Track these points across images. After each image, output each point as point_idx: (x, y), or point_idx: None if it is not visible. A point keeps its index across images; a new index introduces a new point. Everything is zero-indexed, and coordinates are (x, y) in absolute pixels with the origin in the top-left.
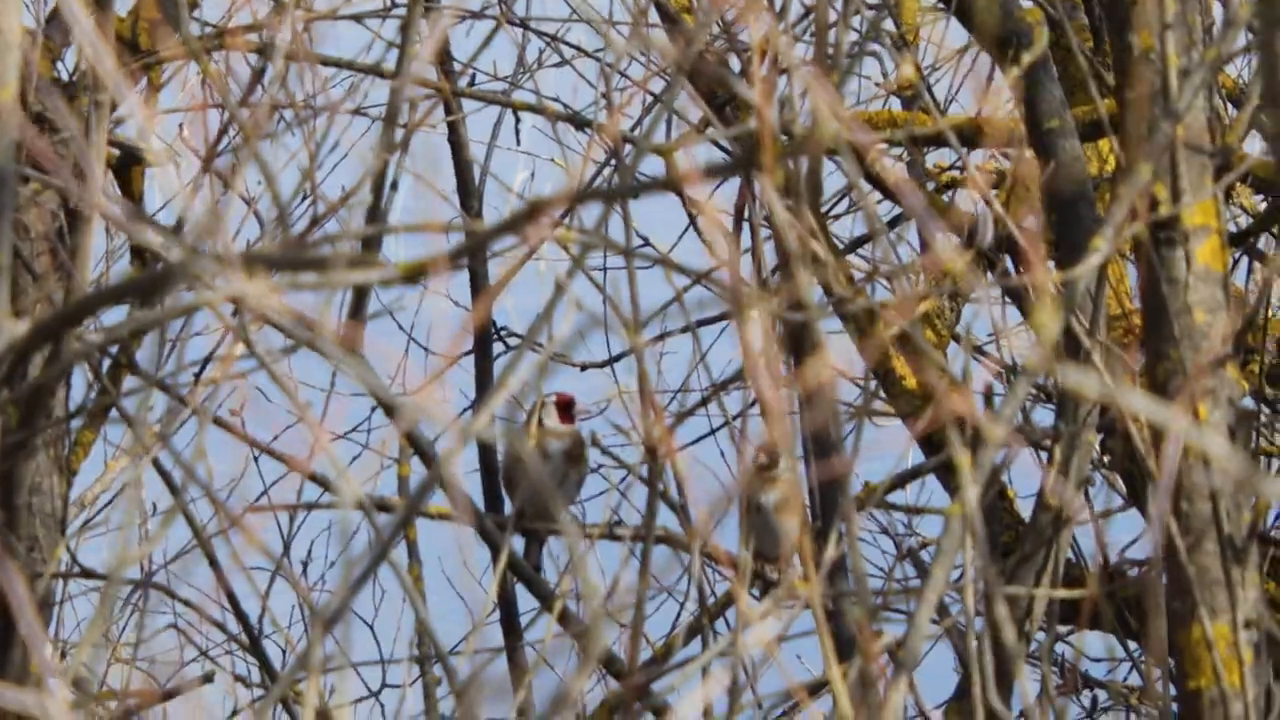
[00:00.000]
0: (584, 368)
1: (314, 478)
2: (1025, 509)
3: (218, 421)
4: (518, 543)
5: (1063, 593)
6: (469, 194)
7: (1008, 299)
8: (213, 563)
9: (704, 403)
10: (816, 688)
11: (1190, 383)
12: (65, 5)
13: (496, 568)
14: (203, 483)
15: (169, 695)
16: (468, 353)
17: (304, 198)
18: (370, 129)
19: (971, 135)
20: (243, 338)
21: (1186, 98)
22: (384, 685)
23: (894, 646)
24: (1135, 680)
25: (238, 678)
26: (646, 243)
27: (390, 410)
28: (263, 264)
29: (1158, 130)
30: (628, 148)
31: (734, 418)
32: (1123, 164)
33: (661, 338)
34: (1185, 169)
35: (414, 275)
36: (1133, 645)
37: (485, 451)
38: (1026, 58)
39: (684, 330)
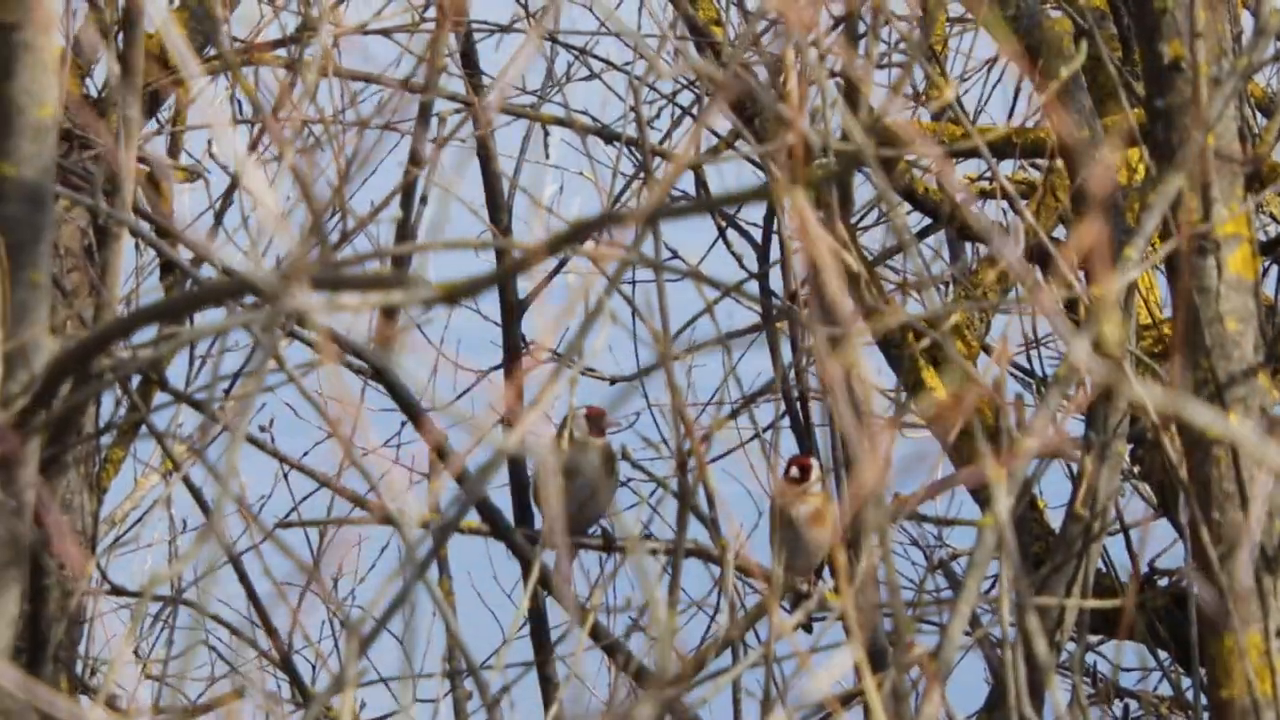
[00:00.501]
0: (613, 381)
1: (347, 494)
2: (1054, 519)
3: (250, 439)
4: (549, 557)
5: (1095, 603)
6: (498, 208)
7: (1036, 310)
8: (244, 579)
9: (735, 415)
10: (848, 699)
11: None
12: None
13: (528, 582)
14: (238, 498)
15: (198, 711)
16: (496, 367)
17: (334, 213)
18: (399, 144)
19: (1003, 147)
20: (275, 354)
21: (1217, 107)
22: (414, 699)
23: (927, 658)
24: (1166, 689)
25: (269, 694)
26: (675, 256)
27: (421, 425)
28: (318, 283)
29: (1189, 140)
30: (656, 161)
31: (764, 429)
32: (1153, 173)
33: (692, 350)
34: (1216, 178)
35: (454, 295)
36: (1163, 655)
37: (514, 465)
38: (1065, 71)
39: (715, 343)
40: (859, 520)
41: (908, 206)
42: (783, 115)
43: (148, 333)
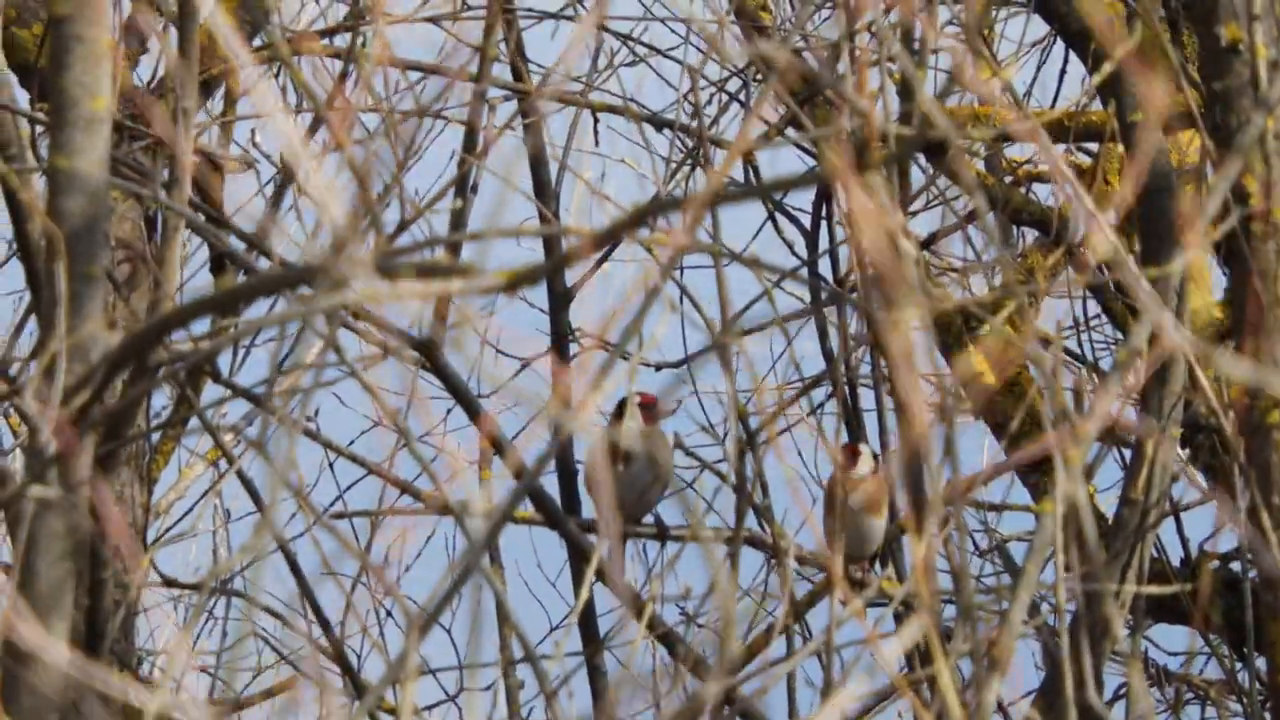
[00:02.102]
0: (658, 368)
1: (398, 483)
2: (1104, 505)
3: (304, 431)
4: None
5: (1156, 589)
6: (546, 196)
7: (1089, 294)
8: (295, 569)
9: (794, 401)
10: (914, 683)
11: None
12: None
13: (580, 571)
14: (295, 489)
15: (254, 701)
16: (543, 354)
17: (389, 202)
18: (441, 130)
19: (1055, 131)
20: (334, 345)
21: (1277, 90)
22: (461, 689)
23: (987, 644)
24: (1214, 672)
25: (320, 684)
26: (720, 245)
27: (474, 413)
28: (379, 271)
29: (1248, 122)
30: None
31: (812, 410)
32: (1211, 156)
33: (744, 334)
34: (1276, 161)
35: (517, 283)
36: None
37: (562, 453)
38: (1120, 52)
39: (771, 324)
40: (919, 505)
41: (956, 190)
42: (845, 98)
43: (200, 325)
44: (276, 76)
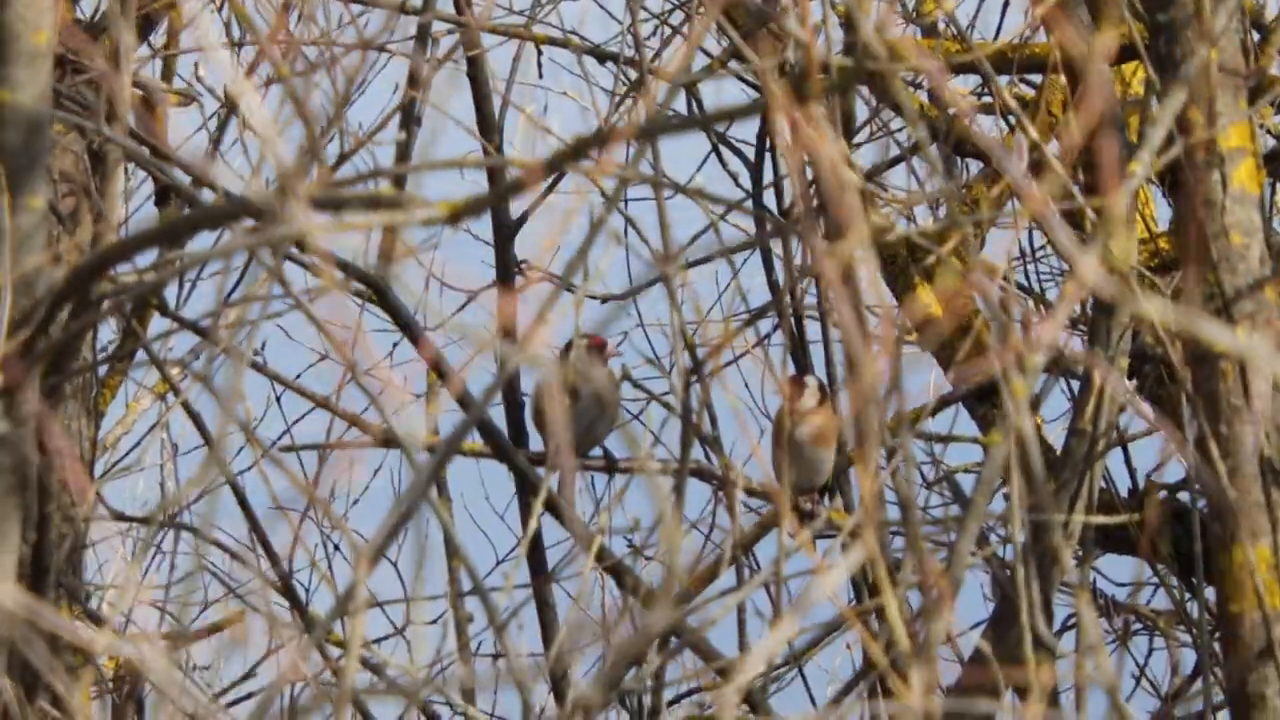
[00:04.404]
0: (604, 300)
1: (346, 415)
2: (1051, 436)
3: (251, 364)
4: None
5: (1105, 519)
6: (489, 129)
7: (1034, 225)
8: (243, 503)
9: (739, 332)
10: (862, 613)
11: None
12: None
13: (528, 503)
14: (243, 423)
15: (203, 635)
16: (488, 287)
17: (331, 135)
18: (385, 65)
19: (998, 62)
20: (279, 277)
21: (1221, 21)
22: (408, 622)
23: (937, 574)
24: (1161, 602)
25: (270, 619)
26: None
27: (420, 344)
28: (320, 204)
29: (1192, 54)
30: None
31: (759, 341)
32: (1156, 87)
33: (689, 266)
34: (1220, 92)
35: (459, 215)
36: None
37: (509, 386)
38: None
39: (718, 255)
40: (864, 436)
41: (900, 122)
42: (787, 30)
43: (145, 258)
44: (220, 10)
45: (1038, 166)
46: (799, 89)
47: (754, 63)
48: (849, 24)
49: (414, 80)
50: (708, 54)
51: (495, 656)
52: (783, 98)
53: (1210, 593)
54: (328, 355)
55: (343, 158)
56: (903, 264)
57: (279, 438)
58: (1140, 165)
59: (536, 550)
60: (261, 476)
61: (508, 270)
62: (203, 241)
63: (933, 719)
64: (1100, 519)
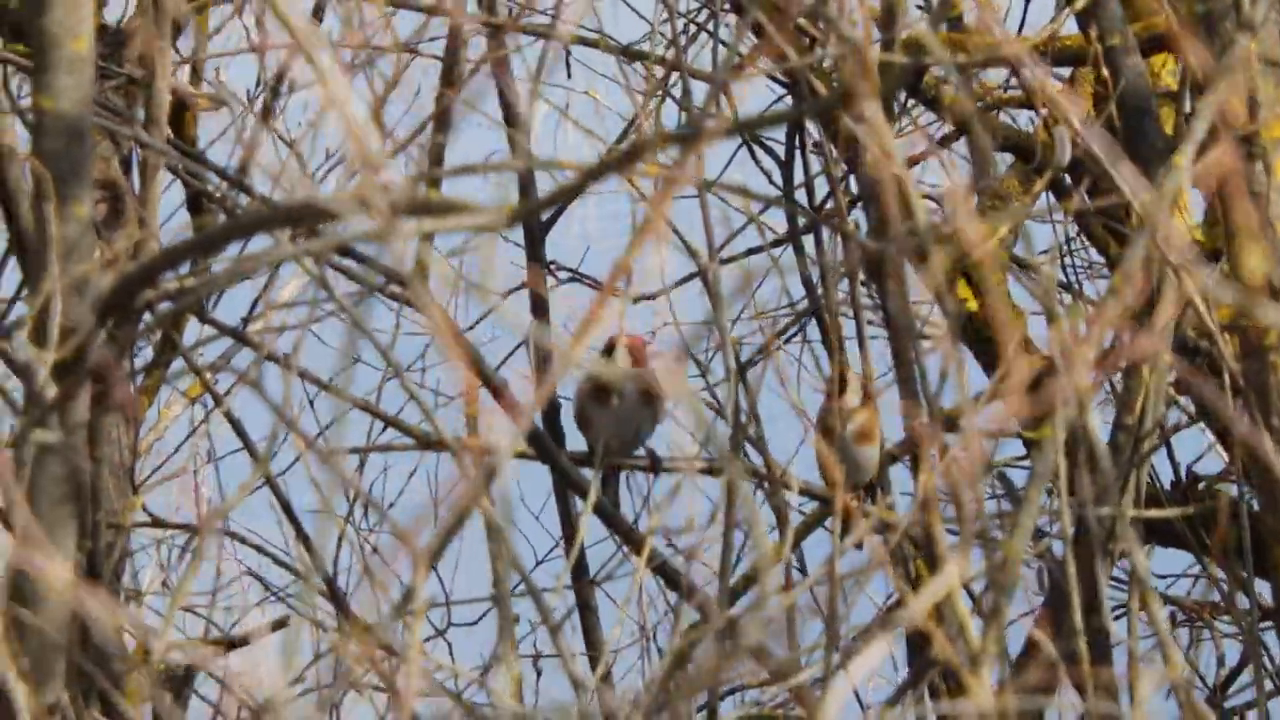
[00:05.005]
0: (637, 300)
1: (387, 418)
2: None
3: (302, 374)
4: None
5: (1155, 513)
6: (520, 129)
7: (1073, 218)
8: (286, 507)
9: (784, 331)
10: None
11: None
12: None
13: (575, 504)
14: (294, 427)
15: (240, 643)
16: (519, 288)
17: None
18: (410, 63)
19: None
20: (325, 284)
21: (1261, 11)
22: (449, 624)
23: (994, 571)
24: (1200, 592)
25: (315, 622)
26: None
27: (458, 347)
28: (377, 208)
29: (1233, 45)
30: (676, 78)
31: (799, 334)
32: (1198, 79)
33: (726, 262)
34: (1261, 83)
35: (517, 217)
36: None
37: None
38: None
39: (753, 254)
40: (915, 434)
41: (931, 117)
42: (835, 28)
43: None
44: (240, 14)
45: (1082, 159)
46: (850, 89)
47: (791, 61)
48: (887, 19)
49: (449, 82)
50: (738, 53)
51: (535, 658)
52: (847, 98)
53: (1262, 586)
54: (360, 359)
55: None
56: (939, 259)
57: (315, 439)
58: (1184, 157)
59: (579, 551)
60: (306, 478)
61: (540, 271)
62: (240, 248)
63: (1005, 716)
64: (1152, 513)
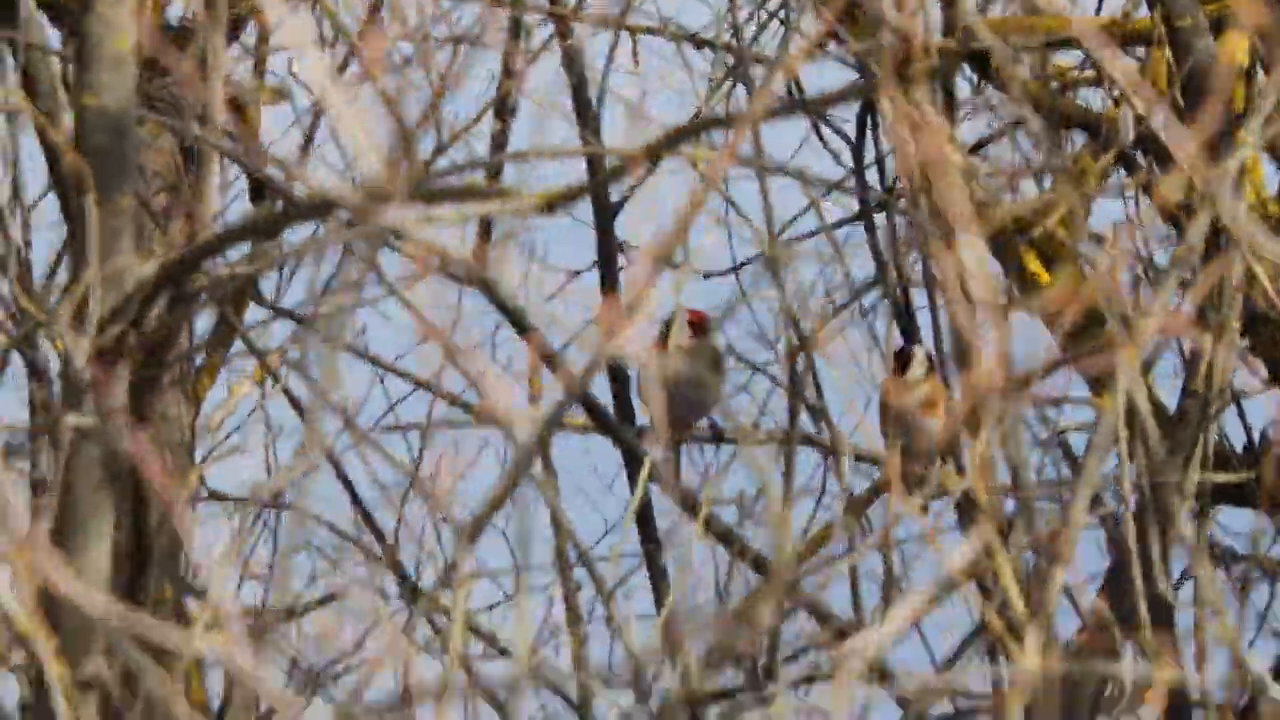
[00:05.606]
0: (707, 276)
1: (447, 395)
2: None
3: (350, 348)
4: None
5: (1224, 476)
6: (587, 118)
7: (1144, 194)
8: (346, 482)
9: (846, 306)
10: (974, 574)
11: None
12: None
13: (633, 476)
14: (338, 406)
15: (303, 611)
16: (589, 269)
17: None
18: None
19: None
20: (374, 266)
21: None
22: (518, 590)
23: (1051, 537)
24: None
25: (378, 591)
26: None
27: (523, 326)
28: (414, 196)
29: None
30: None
31: (863, 313)
32: (1265, 59)
33: (791, 242)
34: None
35: (551, 204)
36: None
37: (615, 362)
38: None
39: (820, 232)
40: (977, 403)
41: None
42: (884, 16)
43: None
44: (314, 7)
45: (1148, 137)
46: (900, 72)
47: (852, 44)
48: (948, 2)
49: (509, 71)
50: (803, 35)
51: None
52: (885, 82)
53: None
54: (423, 339)
55: (437, 150)
56: (1009, 235)
57: (380, 419)
58: (1250, 133)
59: (647, 520)
60: (363, 458)
61: (610, 252)
62: (300, 234)
63: (1051, 680)
64: (1219, 477)
